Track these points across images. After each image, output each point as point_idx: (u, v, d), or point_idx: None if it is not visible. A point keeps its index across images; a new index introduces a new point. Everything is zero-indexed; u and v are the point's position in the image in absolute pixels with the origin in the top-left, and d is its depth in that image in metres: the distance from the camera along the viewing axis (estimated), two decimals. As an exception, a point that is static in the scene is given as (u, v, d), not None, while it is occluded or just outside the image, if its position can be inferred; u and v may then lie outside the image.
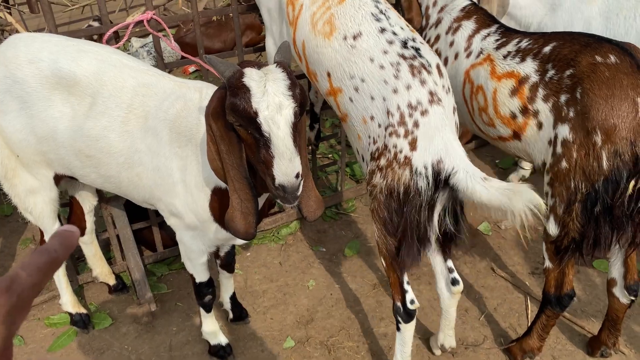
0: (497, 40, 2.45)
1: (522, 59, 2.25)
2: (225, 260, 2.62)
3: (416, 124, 1.93)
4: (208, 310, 2.55)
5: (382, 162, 1.97)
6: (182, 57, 2.66)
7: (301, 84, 1.55)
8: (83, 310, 2.86)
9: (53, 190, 2.37)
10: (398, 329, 2.29)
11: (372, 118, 2.02)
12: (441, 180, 1.89)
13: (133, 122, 2.00)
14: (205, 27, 5.44)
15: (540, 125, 2.17)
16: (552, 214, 2.16)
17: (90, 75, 2.03)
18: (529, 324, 2.80)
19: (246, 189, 1.60)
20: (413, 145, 1.92)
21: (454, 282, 2.30)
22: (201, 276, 2.38)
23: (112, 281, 3.03)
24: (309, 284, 3.16)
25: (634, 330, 2.76)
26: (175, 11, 3.84)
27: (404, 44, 2.04)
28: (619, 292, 2.37)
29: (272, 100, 1.46)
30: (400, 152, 1.93)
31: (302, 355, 2.73)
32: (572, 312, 2.88)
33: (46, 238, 2.54)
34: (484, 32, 2.54)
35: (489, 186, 1.80)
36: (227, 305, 2.82)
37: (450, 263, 2.32)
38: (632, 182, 1.89)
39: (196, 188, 1.98)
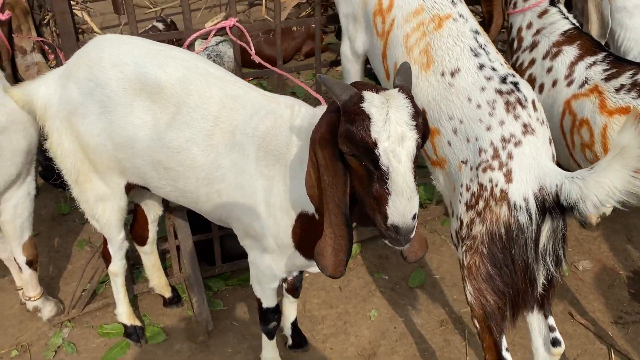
0: (605, 70, 2.25)
1: (640, 94, 2.04)
2: (292, 285, 2.47)
3: (510, 156, 1.80)
4: (271, 337, 2.41)
5: (480, 205, 1.82)
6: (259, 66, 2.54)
7: (423, 114, 1.39)
8: (138, 323, 2.75)
9: (123, 199, 2.27)
10: None
11: (465, 162, 1.90)
12: (550, 208, 1.71)
13: (219, 136, 1.88)
14: (264, 35, 5.35)
15: None
16: None
17: (177, 83, 1.92)
18: (616, 382, 2.56)
19: (343, 225, 1.44)
20: (508, 177, 1.78)
21: (555, 342, 2.09)
22: (269, 302, 2.23)
23: (168, 294, 2.93)
24: (370, 313, 2.98)
25: None
26: (256, 18, 3.77)
27: (503, 80, 1.93)
28: None
29: (394, 130, 1.30)
30: (496, 185, 1.79)
31: (365, 393, 2.55)
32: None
33: (109, 247, 2.44)
34: (589, 59, 2.33)
35: (600, 168, 1.59)
36: (288, 331, 2.66)
37: (551, 320, 2.10)
38: None
39: (280, 211, 1.83)
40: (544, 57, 2.51)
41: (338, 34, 5.94)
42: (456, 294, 3.10)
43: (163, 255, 3.16)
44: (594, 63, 2.30)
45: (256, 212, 1.88)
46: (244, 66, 2.66)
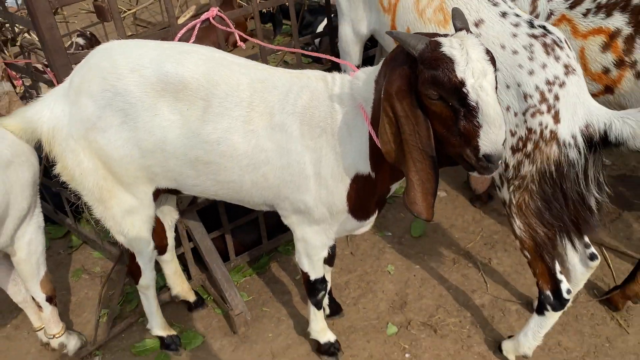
0: (566, 0, 2.48)
1: (608, 14, 2.29)
2: (328, 254, 2.54)
3: (557, 97, 1.90)
4: (320, 307, 2.48)
5: (529, 147, 1.94)
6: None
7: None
8: (173, 332, 2.72)
9: (151, 208, 2.22)
10: (541, 313, 2.27)
11: (508, 109, 1.98)
12: (596, 143, 1.89)
13: (257, 120, 1.90)
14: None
15: (639, 75, 2.21)
16: None
17: (200, 76, 1.91)
18: (614, 273, 2.90)
19: (429, 168, 1.54)
20: (556, 117, 1.90)
21: (592, 257, 2.33)
22: (318, 272, 2.30)
23: (192, 297, 2.90)
24: (388, 268, 3.13)
25: None
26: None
27: (531, 24, 2.01)
28: None
29: (476, 67, 1.42)
30: (546, 127, 1.91)
31: (410, 339, 2.70)
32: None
33: (139, 260, 2.38)
34: (548, -7, 2.56)
35: None
36: (325, 300, 2.74)
37: (586, 238, 2.31)
38: None
39: (332, 179, 1.90)
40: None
41: (269, 20, 5.94)
42: (457, 234, 3.32)
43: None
44: (554, -5, 2.53)
45: (307, 186, 1.94)
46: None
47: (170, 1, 2.29)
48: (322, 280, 2.35)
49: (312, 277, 2.32)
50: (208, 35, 5.60)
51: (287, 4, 2.67)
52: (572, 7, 2.44)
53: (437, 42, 1.45)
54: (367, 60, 3.16)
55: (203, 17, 2.40)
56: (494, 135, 1.42)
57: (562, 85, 1.89)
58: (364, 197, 1.94)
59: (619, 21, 2.26)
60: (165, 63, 1.91)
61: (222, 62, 1.95)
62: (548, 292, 2.21)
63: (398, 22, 2.29)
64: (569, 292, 2.19)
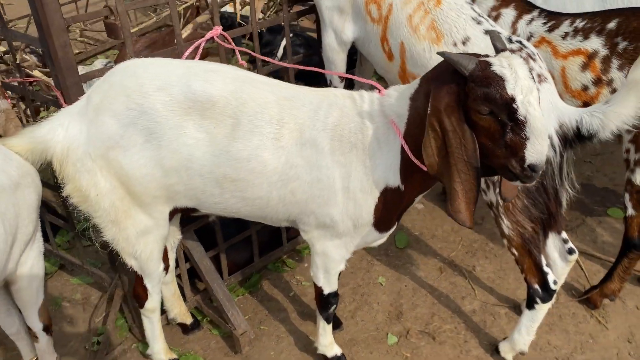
0: (544, 23, 2.71)
1: (585, 37, 2.53)
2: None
3: None
4: (330, 321, 2.51)
5: None
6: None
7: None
8: (174, 356, 2.64)
9: (166, 228, 2.18)
10: (531, 307, 2.42)
11: None
12: (571, 139, 2.09)
13: (287, 136, 1.93)
14: (149, 49, 5.14)
15: (614, 92, 2.46)
16: (637, 165, 2.46)
17: (228, 94, 1.92)
18: (587, 274, 3.14)
19: (473, 179, 1.65)
20: None
21: (571, 251, 2.52)
22: (333, 286, 2.34)
23: (189, 319, 2.83)
24: (379, 280, 3.21)
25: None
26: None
27: (509, 40, 2.22)
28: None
29: (524, 85, 1.54)
30: None
31: (411, 348, 2.78)
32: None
33: (147, 283, 2.31)
34: (527, 17, 2.78)
35: (616, 101, 1.97)
36: (326, 315, 2.77)
37: (564, 234, 2.51)
38: None
39: (361, 192, 1.96)
40: (486, 22, 2.92)
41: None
42: (439, 244, 3.47)
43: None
44: (532, 19, 2.76)
45: (334, 200, 1.98)
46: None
47: (177, 19, 2.28)
48: (335, 294, 2.39)
49: (326, 291, 2.35)
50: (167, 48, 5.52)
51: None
52: (550, 30, 2.67)
53: (487, 62, 1.57)
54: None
55: (207, 35, 2.40)
56: (540, 146, 1.55)
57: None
58: (390, 209, 2.01)
59: (596, 43, 2.50)
60: (193, 81, 1.91)
61: (247, 80, 1.98)
62: (536, 286, 2.38)
63: (390, 35, 2.41)
64: (555, 282, 2.38)
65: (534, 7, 2.81)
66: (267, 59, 2.47)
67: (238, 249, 3.09)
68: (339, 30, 2.69)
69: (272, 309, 3.04)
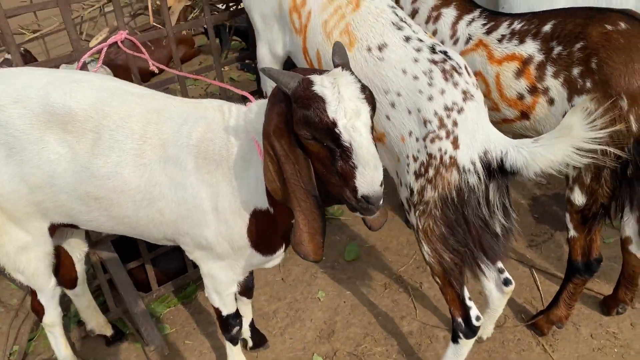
0: (484, 24, 2.47)
1: (521, 41, 2.28)
2: (244, 286, 2.45)
3: (455, 123, 1.89)
4: (235, 343, 2.37)
5: (431, 173, 1.90)
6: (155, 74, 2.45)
7: (367, 86, 1.45)
8: (86, 369, 2.58)
9: (48, 244, 2.09)
10: (455, 341, 2.22)
11: (410, 134, 1.96)
12: (494, 170, 1.86)
13: (149, 153, 1.80)
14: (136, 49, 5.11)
15: (551, 101, 2.20)
16: (576, 184, 2.21)
17: (89, 107, 1.80)
18: (543, 296, 2.88)
19: (314, 208, 1.48)
20: (455, 143, 1.88)
21: (506, 282, 2.29)
22: (229, 308, 2.20)
23: (109, 331, 2.76)
24: (318, 295, 3.05)
25: None
26: (138, 28, 3.59)
27: (432, 49, 2.00)
28: (635, 248, 2.48)
29: (349, 107, 1.36)
30: (445, 153, 1.88)
31: (335, 370, 2.62)
32: (577, 277, 2.98)
33: (40, 298, 2.24)
34: (468, 17, 2.54)
35: (546, 143, 1.76)
36: (247, 333, 2.65)
37: (499, 264, 2.29)
38: None
39: (231, 213, 1.82)
40: (426, 22, 2.68)
41: (206, 33, 5.85)
42: (391, 257, 3.28)
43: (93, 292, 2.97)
44: (473, 20, 2.51)
45: (205, 221, 1.84)
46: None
47: (72, 23, 2.17)
48: (235, 315, 2.25)
49: (224, 313, 2.22)
50: (151, 53, 5.50)
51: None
52: (488, 32, 2.42)
53: (309, 81, 1.39)
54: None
55: (110, 40, 2.30)
56: (369, 176, 1.36)
57: (460, 111, 1.88)
58: (266, 232, 1.86)
59: (531, 48, 2.25)
60: (52, 93, 1.80)
61: (116, 92, 1.85)
62: (459, 319, 2.17)
63: (309, 44, 2.23)
64: (478, 319, 2.15)
65: (476, 6, 2.57)
66: (162, 66, 2.34)
67: (169, 258, 3.00)
68: (270, 42, 2.52)
69: (202, 322, 2.93)
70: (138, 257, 2.87)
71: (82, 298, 2.61)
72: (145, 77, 3.92)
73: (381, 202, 1.42)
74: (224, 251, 1.92)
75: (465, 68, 1.99)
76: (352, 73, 1.43)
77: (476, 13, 2.53)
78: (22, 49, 4.97)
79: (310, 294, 3.06)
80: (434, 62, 1.94)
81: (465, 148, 1.86)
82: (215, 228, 1.85)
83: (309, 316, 2.93)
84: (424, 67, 1.93)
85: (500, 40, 2.35)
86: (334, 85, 1.37)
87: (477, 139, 1.86)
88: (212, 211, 1.83)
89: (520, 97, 2.29)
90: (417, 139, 1.94)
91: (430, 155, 1.90)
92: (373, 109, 1.43)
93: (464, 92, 1.90)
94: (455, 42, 2.55)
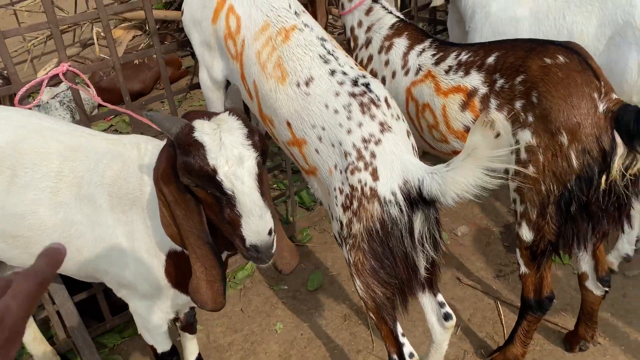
0: (433, 55, 2.42)
1: (466, 73, 2.23)
2: (186, 322, 2.40)
3: (373, 155, 1.86)
4: (175, 381, 2.31)
5: (355, 205, 1.86)
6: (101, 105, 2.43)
7: (259, 130, 1.40)
8: (29, 404, 2.53)
9: (-23, 279, 2.06)
10: None
11: (335, 167, 1.93)
12: (416, 200, 1.80)
13: (65, 191, 1.77)
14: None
15: (497, 135, 2.13)
16: (523, 219, 2.13)
17: (6, 144, 1.78)
18: (506, 331, 2.78)
19: (210, 255, 1.42)
20: (374, 175, 1.84)
21: (447, 317, 2.21)
22: (163, 346, 2.15)
23: (58, 364, 2.71)
24: (276, 327, 2.98)
25: (606, 320, 2.79)
26: (91, 58, 3.58)
27: (355, 82, 1.97)
28: (592, 285, 2.38)
29: (230, 154, 1.31)
30: (365, 185, 1.84)
31: (283, 408, 2.54)
32: (543, 310, 2.88)
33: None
34: (418, 47, 2.50)
35: (455, 166, 1.69)
36: (194, 368, 2.58)
37: (440, 297, 2.21)
38: (604, 177, 1.89)
39: (148, 254, 1.77)
40: (379, 52, 2.64)
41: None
42: (353, 287, 3.18)
43: (46, 324, 2.94)
44: (423, 50, 2.46)
45: (124, 260, 1.80)
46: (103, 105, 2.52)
47: (9, 57, 2.16)
48: (171, 352, 2.19)
49: (159, 350, 2.17)
50: (137, 75, 5.53)
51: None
52: (437, 63, 2.37)
53: (190, 127, 1.34)
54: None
55: (51, 73, 2.28)
56: (254, 225, 1.31)
57: (377, 142, 1.85)
58: (186, 273, 1.80)
59: (475, 80, 2.19)
60: (-33, 130, 1.78)
61: (34, 129, 1.83)
62: (395, 356, 2.09)
63: (246, 73, 2.21)
64: (411, 356, 2.07)
65: (427, 36, 2.52)
66: (104, 104, 2.33)
67: (123, 288, 2.95)
68: (209, 67, 2.50)
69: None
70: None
71: (27, 330, 2.57)
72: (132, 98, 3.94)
73: (273, 250, 1.36)
74: (146, 291, 1.87)
75: (386, 100, 1.96)
76: (240, 117, 1.38)
77: (427, 43, 2.48)
78: (4, 72, 5.03)
79: (268, 326, 2.99)
80: (354, 95, 1.92)
81: (384, 179, 1.82)
82: (134, 268, 1.81)
83: (264, 349, 2.86)
84: (344, 101, 1.91)
85: (447, 72, 2.30)
86: (216, 132, 1.32)
87: (395, 169, 1.82)
88: (129, 250, 1.78)
89: (467, 129, 2.23)
90: (340, 172, 1.91)
91: (352, 187, 1.87)
92: (262, 154, 1.37)
93: (381, 124, 1.87)
94: (407, 73, 2.50)
